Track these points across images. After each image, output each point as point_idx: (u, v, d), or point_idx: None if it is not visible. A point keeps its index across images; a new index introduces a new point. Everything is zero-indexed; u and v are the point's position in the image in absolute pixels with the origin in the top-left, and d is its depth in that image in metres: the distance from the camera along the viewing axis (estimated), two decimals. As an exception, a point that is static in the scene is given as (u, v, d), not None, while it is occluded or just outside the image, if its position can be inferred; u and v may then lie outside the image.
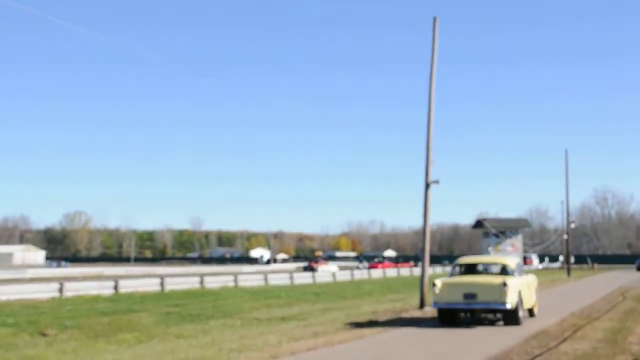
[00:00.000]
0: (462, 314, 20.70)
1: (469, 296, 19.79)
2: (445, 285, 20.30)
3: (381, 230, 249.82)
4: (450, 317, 20.60)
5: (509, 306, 19.49)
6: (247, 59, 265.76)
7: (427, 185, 26.89)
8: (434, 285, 20.42)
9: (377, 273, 66.67)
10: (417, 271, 71.28)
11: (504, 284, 19.44)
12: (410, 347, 15.62)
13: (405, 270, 75.08)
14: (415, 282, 41.40)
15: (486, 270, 22.11)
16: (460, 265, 22.00)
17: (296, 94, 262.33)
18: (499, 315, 20.40)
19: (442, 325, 20.09)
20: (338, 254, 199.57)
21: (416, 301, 27.43)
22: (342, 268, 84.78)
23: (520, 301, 20.36)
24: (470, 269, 21.85)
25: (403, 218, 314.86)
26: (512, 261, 21.97)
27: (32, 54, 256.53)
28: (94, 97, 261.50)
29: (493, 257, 26.20)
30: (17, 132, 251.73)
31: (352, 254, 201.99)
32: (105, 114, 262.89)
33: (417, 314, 24.23)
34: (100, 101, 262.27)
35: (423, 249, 27.26)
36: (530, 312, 22.66)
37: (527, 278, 22.48)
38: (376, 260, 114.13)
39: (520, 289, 20.52)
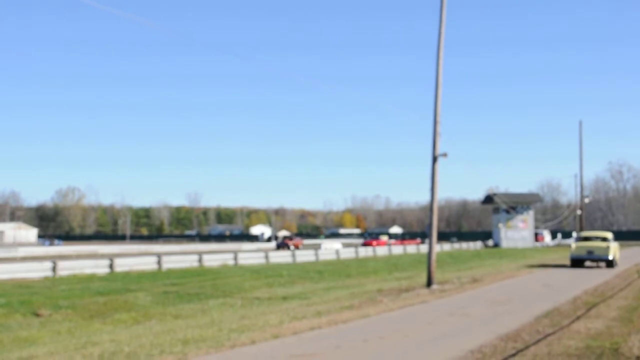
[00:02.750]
0: (588, 262, 38.34)
1: (589, 252, 37.31)
2: (576, 246, 37.94)
3: (387, 206, 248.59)
4: (578, 263, 37.84)
5: (610, 257, 36.77)
6: (247, 39, 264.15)
7: (435, 159, 26.03)
8: (570, 246, 39.90)
9: (382, 250, 65.73)
10: (424, 248, 70.72)
11: (608, 247, 36.95)
12: (415, 326, 14.91)
13: (411, 248, 74.10)
14: (422, 259, 40.74)
15: (595, 239, 38.60)
16: (582, 237, 39.40)
17: (299, 72, 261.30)
18: (603, 263, 38.15)
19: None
20: (342, 230, 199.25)
21: (423, 279, 26.71)
22: (346, 245, 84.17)
23: (614, 255, 37.38)
24: (587, 239, 38.91)
25: (409, 193, 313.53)
26: (609, 234, 39.21)
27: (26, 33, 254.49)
28: (86, 78, 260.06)
29: (598, 232, 40.81)
30: (10, 108, 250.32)
31: (357, 230, 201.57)
32: (98, 93, 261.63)
33: (424, 292, 23.45)
34: (94, 81, 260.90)
35: (430, 225, 26.41)
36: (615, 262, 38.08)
37: (616, 244, 38.94)
38: (370, 237, 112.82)
39: (614, 249, 37.56)
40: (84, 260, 39.32)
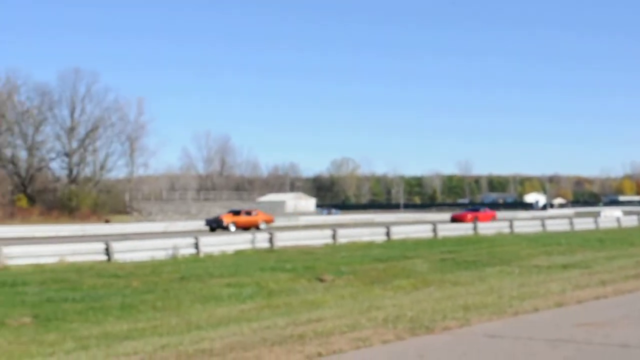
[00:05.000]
0: None
1: None
2: None
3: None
4: None
5: None
6: None
7: None
8: None
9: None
10: None
11: None
12: None
13: None
14: None
15: None
16: None
17: (563, 22, 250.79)
18: None
19: None
20: (621, 197, 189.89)
21: None
22: (626, 213, 79.84)
23: None
24: None
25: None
26: None
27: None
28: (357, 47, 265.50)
29: None
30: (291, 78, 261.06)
31: (638, 197, 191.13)
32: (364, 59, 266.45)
33: None
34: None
35: None
36: None
37: None
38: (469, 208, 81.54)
39: None
40: (361, 229, 40.61)
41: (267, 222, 57.13)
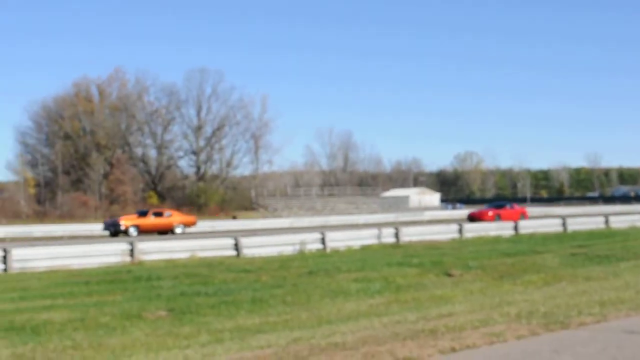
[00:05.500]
0: None
1: None
2: None
3: None
4: None
5: None
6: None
7: None
8: None
9: None
10: None
11: None
12: None
13: None
14: None
15: None
16: None
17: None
18: None
19: None
20: None
21: None
22: None
23: None
24: None
25: None
26: None
27: None
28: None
29: None
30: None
31: None
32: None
33: None
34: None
35: None
36: None
37: None
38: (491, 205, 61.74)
39: None
40: (487, 223, 40.07)
41: (187, 224, 48.13)
